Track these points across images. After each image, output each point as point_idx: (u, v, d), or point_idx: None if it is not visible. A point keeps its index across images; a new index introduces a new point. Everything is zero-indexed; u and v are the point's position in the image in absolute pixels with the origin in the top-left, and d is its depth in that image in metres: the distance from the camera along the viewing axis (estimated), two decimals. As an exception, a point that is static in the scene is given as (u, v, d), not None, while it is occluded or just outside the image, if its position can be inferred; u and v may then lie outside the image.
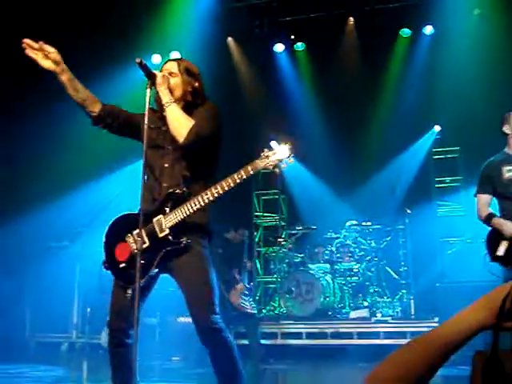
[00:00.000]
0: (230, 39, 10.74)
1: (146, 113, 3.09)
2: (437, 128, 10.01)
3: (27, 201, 8.60)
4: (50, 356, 7.98)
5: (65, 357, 8.28)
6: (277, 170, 3.07)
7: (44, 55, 3.12)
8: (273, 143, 3.11)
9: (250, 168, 3.05)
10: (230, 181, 3.08)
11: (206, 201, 3.11)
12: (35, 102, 8.83)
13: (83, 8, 8.86)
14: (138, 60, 3.14)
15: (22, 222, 8.36)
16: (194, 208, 3.12)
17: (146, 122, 3.08)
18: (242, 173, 3.06)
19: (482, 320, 1.19)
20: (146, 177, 3.30)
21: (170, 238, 3.15)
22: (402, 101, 9.75)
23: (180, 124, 3.21)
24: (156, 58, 9.98)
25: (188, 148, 3.23)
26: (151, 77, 3.20)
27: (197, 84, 3.44)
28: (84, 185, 8.99)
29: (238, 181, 3.07)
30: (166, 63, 3.48)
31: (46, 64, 3.12)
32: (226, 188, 3.08)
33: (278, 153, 3.04)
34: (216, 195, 3.10)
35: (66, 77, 3.17)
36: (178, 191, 3.19)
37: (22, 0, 8.51)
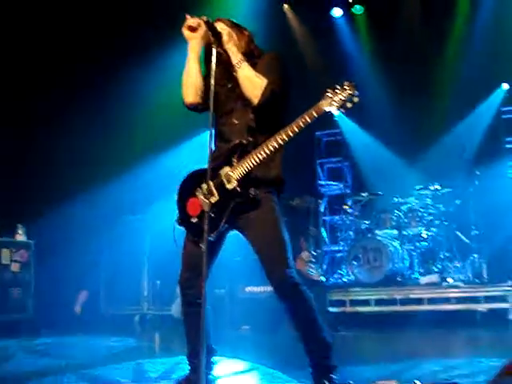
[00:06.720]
0: (286, 6, 10.56)
1: (213, 72, 3.02)
2: (505, 86, 9.62)
3: (98, 174, 8.79)
4: (123, 327, 8.21)
5: (137, 328, 8.50)
6: (342, 110, 2.96)
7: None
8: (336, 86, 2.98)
9: (313, 111, 2.98)
10: (294, 126, 3.01)
11: (272, 148, 3.05)
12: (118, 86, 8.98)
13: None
14: (204, 18, 3.14)
15: (94, 195, 8.60)
16: (260, 157, 3.07)
17: (212, 82, 3.01)
18: (306, 117, 2.99)
19: None
20: (216, 138, 3.28)
21: (238, 189, 3.11)
22: (467, 60, 9.40)
23: (253, 84, 3.15)
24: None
25: (262, 108, 3.17)
26: (218, 35, 3.16)
27: (248, 33, 3.41)
28: (154, 157, 9.09)
29: (302, 125, 3.00)
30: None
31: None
32: (291, 134, 3.02)
33: (342, 92, 2.94)
34: (281, 142, 3.04)
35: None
36: (243, 142, 3.15)
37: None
